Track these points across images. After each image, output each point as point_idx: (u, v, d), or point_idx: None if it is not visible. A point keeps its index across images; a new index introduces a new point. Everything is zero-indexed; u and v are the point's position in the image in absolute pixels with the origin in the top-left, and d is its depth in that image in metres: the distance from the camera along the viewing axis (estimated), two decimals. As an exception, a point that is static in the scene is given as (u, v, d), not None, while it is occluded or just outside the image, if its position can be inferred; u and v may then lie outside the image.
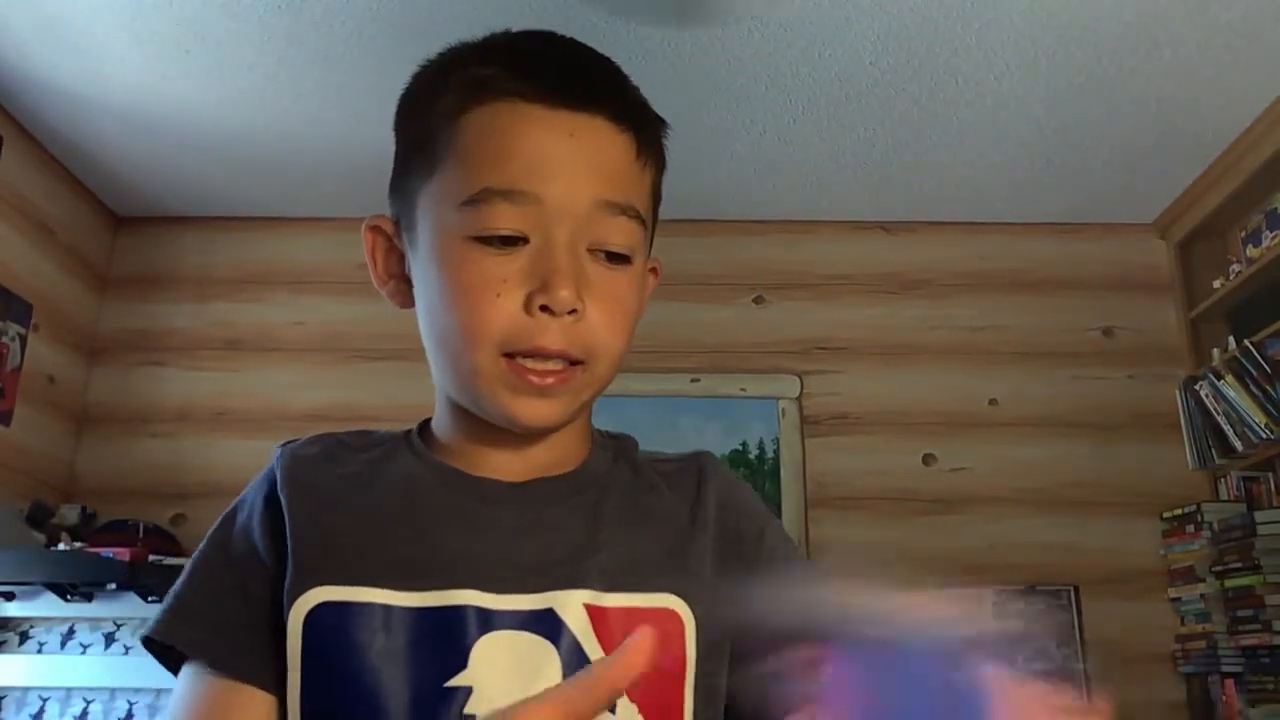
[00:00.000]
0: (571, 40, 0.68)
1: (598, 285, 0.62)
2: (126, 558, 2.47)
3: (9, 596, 2.53)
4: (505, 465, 0.67)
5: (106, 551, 2.50)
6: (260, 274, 3.44)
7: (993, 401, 3.26)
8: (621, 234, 0.63)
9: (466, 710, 0.57)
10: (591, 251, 0.62)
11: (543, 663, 0.59)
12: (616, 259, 0.63)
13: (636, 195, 0.64)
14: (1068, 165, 3.07)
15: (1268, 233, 2.88)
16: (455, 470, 0.67)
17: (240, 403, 3.29)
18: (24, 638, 2.59)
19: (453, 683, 0.57)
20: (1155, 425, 3.19)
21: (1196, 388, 3.03)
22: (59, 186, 3.15)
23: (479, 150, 0.62)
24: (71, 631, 2.60)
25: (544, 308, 0.60)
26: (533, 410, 0.63)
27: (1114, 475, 3.16)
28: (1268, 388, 2.72)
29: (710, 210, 3.37)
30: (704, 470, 0.71)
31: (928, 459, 3.21)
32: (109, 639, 2.58)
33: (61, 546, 2.60)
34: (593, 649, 0.59)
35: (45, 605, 2.53)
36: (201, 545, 0.67)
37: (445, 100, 0.64)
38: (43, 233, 3.07)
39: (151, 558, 2.58)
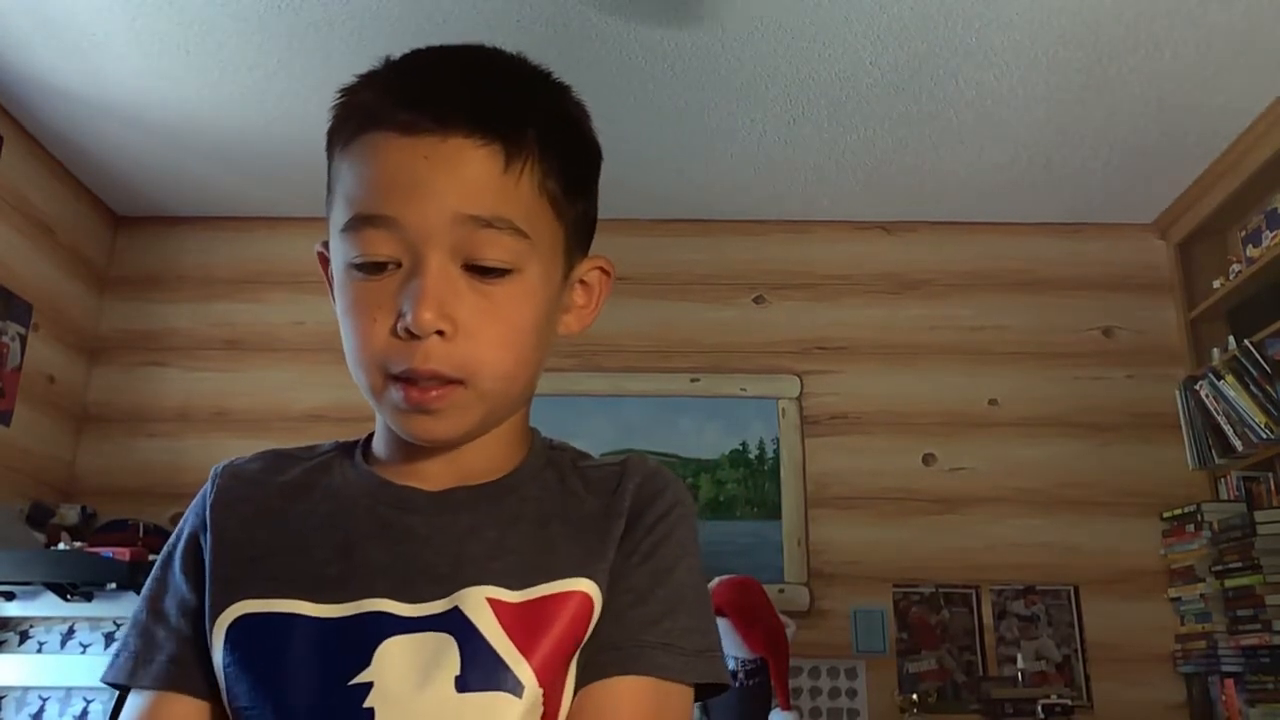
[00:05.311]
0: (455, 56, 0.68)
1: (472, 302, 0.63)
2: (126, 558, 2.47)
3: (9, 596, 2.53)
4: (431, 473, 0.70)
5: (106, 551, 2.50)
6: (260, 274, 3.44)
7: (993, 401, 3.26)
8: (494, 248, 0.64)
9: (365, 704, 0.60)
10: (468, 268, 0.64)
11: (442, 654, 0.62)
12: (493, 273, 0.64)
13: (508, 206, 0.64)
14: (1068, 165, 3.07)
15: (1268, 233, 2.88)
16: (382, 481, 0.70)
17: (240, 403, 3.29)
18: (24, 638, 2.59)
19: (355, 680, 0.61)
20: (1155, 425, 3.19)
21: (1196, 388, 3.03)
22: (59, 186, 3.15)
23: (350, 180, 0.65)
24: (71, 631, 2.59)
25: (407, 330, 0.62)
26: (424, 427, 0.65)
27: (1114, 475, 3.16)
28: (1268, 388, 2.72)
29: (710, 210, 3.37)
30: (627, 466, 0.73)
31: (928, 459, 3.21)
32: (109, 639, 2.58)
33: (61, 546, 2.60)
34: (496, 637, 0.62)
35: (45, 605, 2.52)
36: (147, 583, 0.72)
37: (333, 134, 0.69)
38: (43, 233, 3.07)
39: (151, 557, 2.58)
